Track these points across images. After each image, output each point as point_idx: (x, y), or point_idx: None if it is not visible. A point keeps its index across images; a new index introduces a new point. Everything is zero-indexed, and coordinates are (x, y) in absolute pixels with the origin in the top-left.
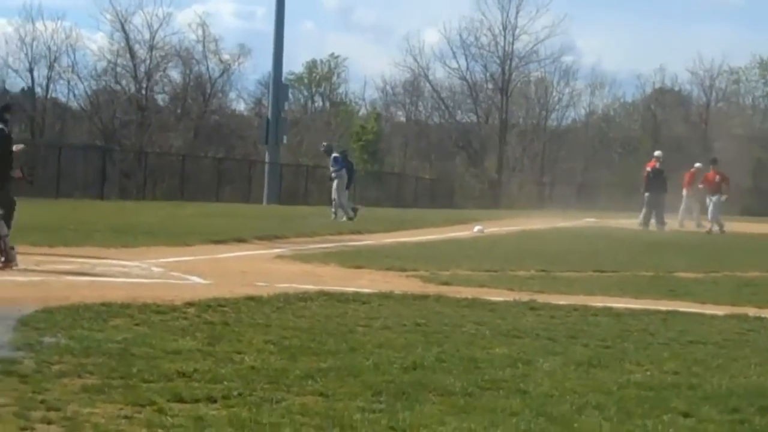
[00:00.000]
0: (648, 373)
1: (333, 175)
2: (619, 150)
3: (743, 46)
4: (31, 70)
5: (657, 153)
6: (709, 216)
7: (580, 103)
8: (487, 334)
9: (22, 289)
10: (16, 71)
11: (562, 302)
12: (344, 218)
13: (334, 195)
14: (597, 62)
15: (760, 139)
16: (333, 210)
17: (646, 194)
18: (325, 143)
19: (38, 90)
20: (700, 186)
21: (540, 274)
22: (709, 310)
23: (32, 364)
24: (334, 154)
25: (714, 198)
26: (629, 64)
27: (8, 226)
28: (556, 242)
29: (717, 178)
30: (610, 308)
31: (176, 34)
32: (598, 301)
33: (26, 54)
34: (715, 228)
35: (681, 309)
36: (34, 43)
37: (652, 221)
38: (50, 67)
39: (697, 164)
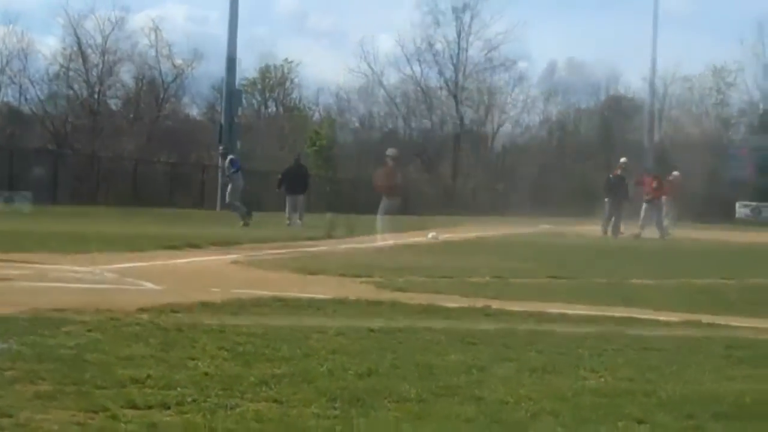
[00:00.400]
0: (603, 379)
1: (228, 177)
2: (574, 157)
3: (696, 54)
4: None
5: (622, 160)
6: (640, 221)
7: (534, 109)
8: (441, 340)
9: None
10: None
11: (516, 308)
12: (241, 222)
13: (228, 198)
14: (551, 69)
15: (713, 146)
16: (287, 217)
17: (606, 200)
18: (222, 146)
19: None
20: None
21: (494, 281)
22: (664, 317)
23: None
24: (231, 156)
25: (647, 204)
26: (584, 71)
27: None
28: (510, 249)
29: (654, 183)
30: (565, 314)
31: (129, 38)
32: (553, 308)
33: None
34: (648, 233)
35: (636, 315)
36: None
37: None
38: (2, 71)
39: (675, 173)
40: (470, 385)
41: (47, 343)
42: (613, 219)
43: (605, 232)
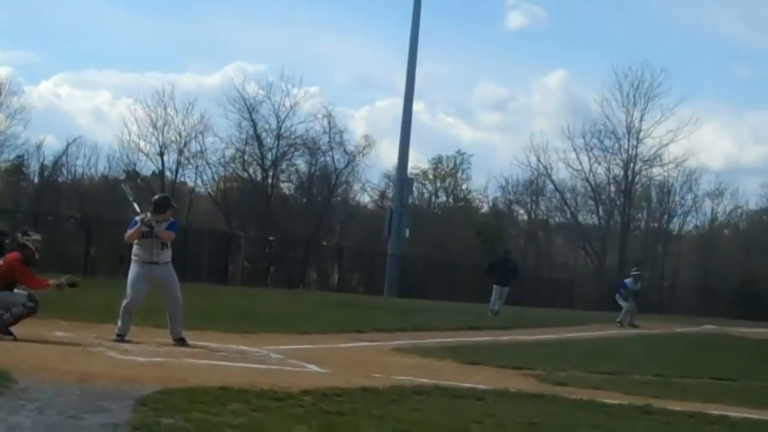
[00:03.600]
0: None
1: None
2: (741, 257)
3: None
4: (161, 155)
5: None
6: None
7: (701, 209)
8: None
9: (143, 369)
10: (147, 155)
11: (677, 408)
12: None
13: None
14: (721, 168)
15: None
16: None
17: None
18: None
19: (168, 174)
20: None
21: (656, 379)
22: None
23: None
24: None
25: None
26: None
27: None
28: (673, 347)
29: None
30: (726, 416)
31: (303, 123)
32: (714, 409)
33: (157, 138)
34: None
35: None
36: (165, 128)
37: None
38: (180, 152)
39: None
40: None
41: (211, 421)
42: None
43: None
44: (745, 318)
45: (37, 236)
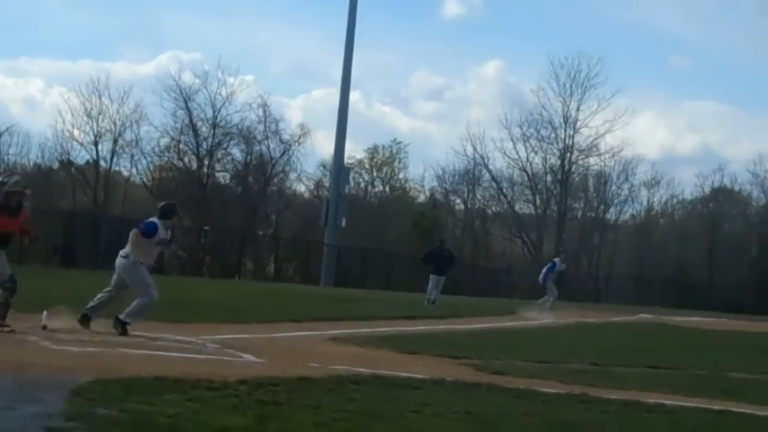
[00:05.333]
0: None
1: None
2: (676, 246)
3: None
4: (96, 144)
5: None
6: None
7: (637, 198)
8: (537, 425)
9: (77, 359)
10: (81, 144)
11: (613, 397)
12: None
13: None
14: (657, 158)
15: None
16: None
17: None
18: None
19: (102, 163)
20: None
21: (592, 368)
22: (764, 411)
23: None
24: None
25: None
26: (688, 162)
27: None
28: (610, 336)
29: None
30: (662, 405)
31: (238, 112)
32: (650, 398)
33: (91, 127)
34: None
35: (733, 409)
36: (100, 117)
37: None
38: (114, 142)
39: None
40: None
41: (146, 411)
42: None
43: None
44: (680, 307)
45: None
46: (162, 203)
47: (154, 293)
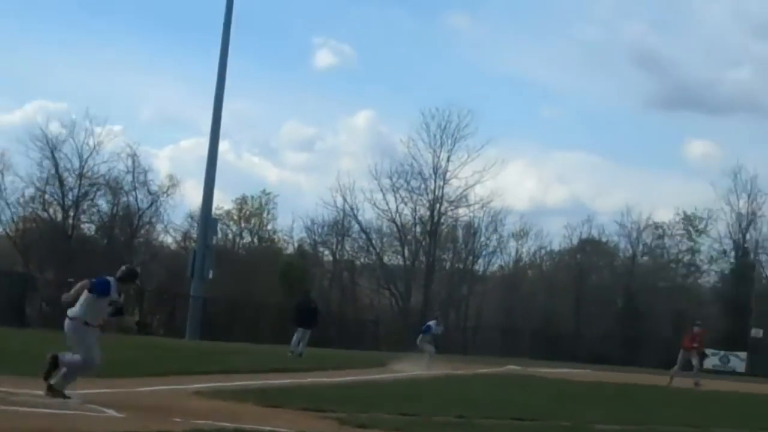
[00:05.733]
0: None
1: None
2: (544, 297)
3: (668, 200)
4: None
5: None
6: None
7: (506, 249)
8: None
9: None
10: None
11: None
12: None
13: None
14: (526, 209)
15: (683, 290)
16: (291, 349)
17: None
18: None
19: None
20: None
21: (458, 420)
22: None
23: None
24: None
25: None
26: (557, 212)
27: None
28: (477, 388)
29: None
30: None
31: (106, 162)
32: None
33: None
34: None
35: None
36: None
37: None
38: None
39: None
40: None
41: None
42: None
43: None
44: (547, 358)
45: None
46: (124, 266)
47: (95, 359)
